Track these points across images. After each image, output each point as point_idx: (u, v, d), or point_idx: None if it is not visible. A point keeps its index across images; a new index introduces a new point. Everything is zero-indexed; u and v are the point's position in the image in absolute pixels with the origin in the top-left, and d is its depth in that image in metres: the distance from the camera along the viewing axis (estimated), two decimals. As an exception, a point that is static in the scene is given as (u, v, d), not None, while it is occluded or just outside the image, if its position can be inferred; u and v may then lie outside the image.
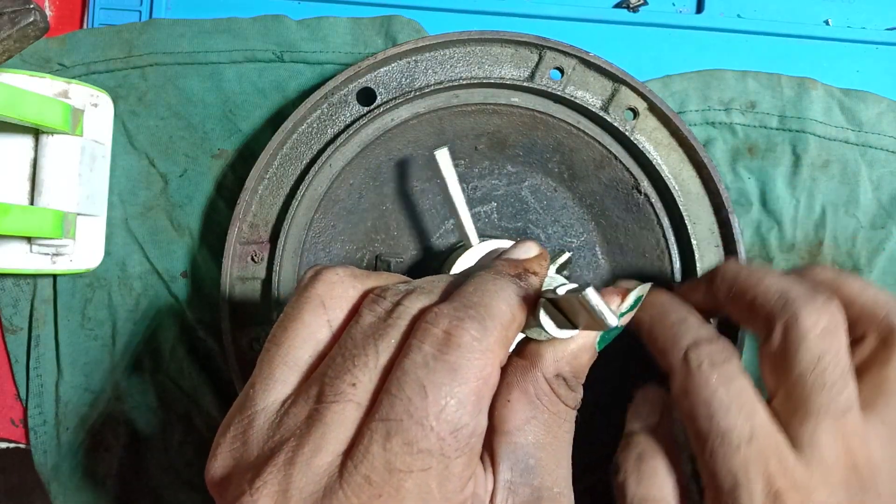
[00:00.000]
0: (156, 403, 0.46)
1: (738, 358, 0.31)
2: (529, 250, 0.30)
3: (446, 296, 0.26)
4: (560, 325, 0.28)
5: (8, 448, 0.47)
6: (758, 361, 0.32)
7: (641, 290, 0.32)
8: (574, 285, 0.28)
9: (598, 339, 0.30)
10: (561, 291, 0.27)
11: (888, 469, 0.29)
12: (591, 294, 0.24)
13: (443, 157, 0.39)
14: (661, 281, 0.43)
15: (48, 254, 0.44)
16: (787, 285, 0.31)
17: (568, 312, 0.27)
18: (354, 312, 0.27)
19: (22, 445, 0.47)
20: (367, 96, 0.43)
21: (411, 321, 0.25)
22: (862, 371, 0.31)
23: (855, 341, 0.32)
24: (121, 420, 0.46)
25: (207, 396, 0.46)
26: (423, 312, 0.25)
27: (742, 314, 0.33)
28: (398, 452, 0.23)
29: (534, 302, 0.28)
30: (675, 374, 0.32)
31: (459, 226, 0.39)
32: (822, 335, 0.29)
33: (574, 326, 0.28)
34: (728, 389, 0.30)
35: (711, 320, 0.41)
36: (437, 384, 0.23)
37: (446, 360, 0.24)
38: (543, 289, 0.29)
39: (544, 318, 0.27)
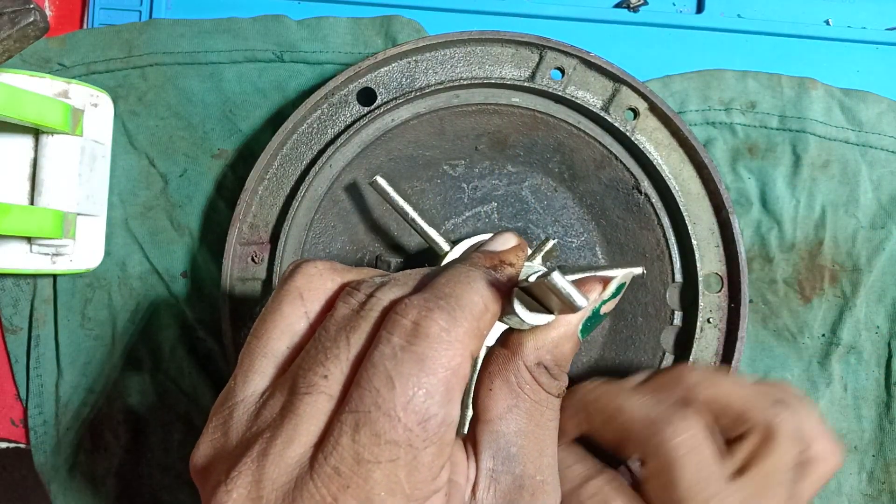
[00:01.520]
0: (156, 403, 0.46)
1: (623, 493, 0.31)
2: (507, 242, 0.30)
3: (420, 287, 0.27)
4: (535, 312, 0.28)
5: (8, 448, 0.47)
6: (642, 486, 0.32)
7: (624, 277, 0.32)
8: (544, 270, 0.28)
9: (580, 327, 0.30)
10: (533, 279, 0.27)
11: None
12: (555, 277, 0.25)
13: (383, 182, 0.40)
14: (661, 281, 0.43)
15: (48, 254, 0.44)
16: (648, 409, 0.32)
17: (541, 299, 0.28)
18: (332, 305, 0.27)
19: (22, 445, 0.47)
20: (367, 96, 0.43)
21: (382, 313, 0.26)
22: (747, 466, 0.31)
23: (737, 438, 0.32)
24: (120, 420, 0.46)
25: (207, 396, 0.46)
26: (394, 304, 0.25)
27: (612, 444, 0.33)
28: (366, 444, 0.23)
29: (509, 292, 0.28)
30: None
31: (427, 239, 0.40)
32: (691, 454, 0.30)
33: (550, 312, 0.28)
34: None
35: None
36: (404, 375, 0.23)
37: (414, 350, 0.24)
38: (520, 278, 0.29)
39: (518, 306, 0.28)
